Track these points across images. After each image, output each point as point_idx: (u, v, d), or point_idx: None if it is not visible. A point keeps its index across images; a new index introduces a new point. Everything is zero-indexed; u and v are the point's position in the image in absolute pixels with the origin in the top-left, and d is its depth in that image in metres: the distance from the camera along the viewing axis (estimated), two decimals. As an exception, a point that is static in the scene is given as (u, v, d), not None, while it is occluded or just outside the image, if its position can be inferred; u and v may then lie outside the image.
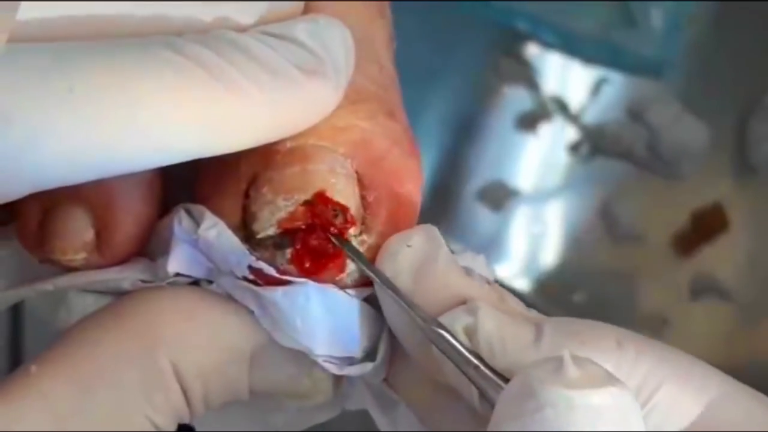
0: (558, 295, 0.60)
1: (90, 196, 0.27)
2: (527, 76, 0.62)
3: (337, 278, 0.26)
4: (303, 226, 0.26)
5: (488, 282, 0.26)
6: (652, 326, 0.59)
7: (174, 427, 0.25)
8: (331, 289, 0.26)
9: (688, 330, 0.59)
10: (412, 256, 0.25)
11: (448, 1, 0.61)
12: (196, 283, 0.28)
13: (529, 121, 0.62)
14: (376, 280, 0.26)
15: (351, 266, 0.26)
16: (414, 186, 0.28)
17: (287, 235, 0.26)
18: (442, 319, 0.24)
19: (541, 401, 0.21)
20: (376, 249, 0.27)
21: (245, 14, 0.25)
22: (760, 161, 0.60)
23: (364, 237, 0.27)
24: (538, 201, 0.62)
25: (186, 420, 0.26)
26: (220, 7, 0.25)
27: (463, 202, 0.61)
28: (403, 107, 0.29)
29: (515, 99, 0.62)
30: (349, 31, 0.27)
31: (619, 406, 0.21)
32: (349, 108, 0.27)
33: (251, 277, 0.26)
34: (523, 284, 0.60)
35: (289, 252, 0.26)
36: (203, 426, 0.28)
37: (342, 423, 0.32)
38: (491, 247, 0.61)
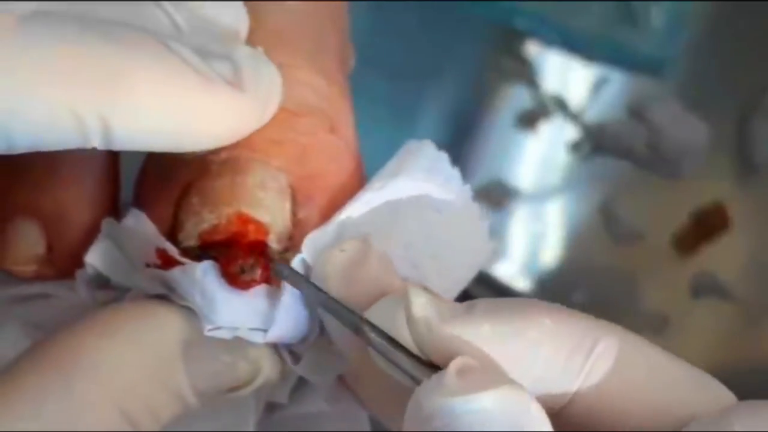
0: (558, 295, 0.60)
1: (43, 209, 0.28)
2: (527, 75, 0.62)
3: None
4: (217, 255, 0.25)
5: (425, 288, 0.25)
6: (652, 325, 0.59)
7: None
8: None
9: (689, 329, 0.59)
10: (344, 259, 0.25)
11: (448, 0, 0.61)
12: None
13: (529, 120, 0.62)
14: (304, 288, 0.25)
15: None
16: None
17: (208, 249, 0.26)
18: (374, 308, 0.24)
19: (427, 413, 0.21)
20: None
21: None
22: (761, 160, 0.59)
23: (290, 255, 0.26)
24: (538, 200, 0.62)
25: None
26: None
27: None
28: (350, 121, 0.29)
29: (515, 98, 0.62)
30: (277, 70, 0.27)
31: (506, 407, 0.21)
32: (288, 121, 0.27)
33: (158, 261, 0.26)
34: (523, 284, 0.60)
35: None
36: None
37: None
38: (491, 246, 0.61)
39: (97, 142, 0.23)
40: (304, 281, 0.25)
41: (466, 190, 0.29)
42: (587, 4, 0.61)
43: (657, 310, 0.59)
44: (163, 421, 0.25)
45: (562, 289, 0.60)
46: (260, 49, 0.27)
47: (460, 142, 0.63)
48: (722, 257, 0.59)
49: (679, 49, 0.61)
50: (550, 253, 0.62)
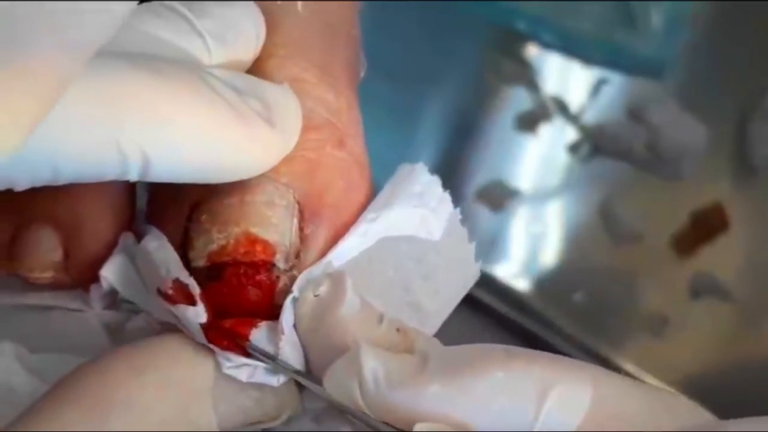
0: (558, 295, 0.60)
1: (61, 217, 0.28)
2: (527, 77, 0.62)
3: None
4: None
5: (398, 329, 0.26)
6: (652, 326, 0.59)
7: None
8: None
9: (688, 330, 0.59)
10: (316, 305, 0.26)
11: (448, 1, 0.62)
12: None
13: (529, 122, 0.62)
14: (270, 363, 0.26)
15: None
16: (356, 220, 0.28)
17: (216, 269, 0.26)
18: (331, 370, 0.25)
19: None
20: None
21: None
22: (760, 161, 0.60)
23: (296, 273, 0.26)
24: (538, 201, 0.62)
25: None
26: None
27: (463, 202, 0.61)
28: (360, 134, 0.29)
29: (515, 99, 0.62)
30: (298, 102, 0.27)
31: None
32: None
33: (171, 292, 0.26)
34: (523, 284, 0.60)
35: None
36: None
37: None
38: (491, 247, 0.62)
39: (134, 176, 0.23)
40: (270, 358, 0.26)
41: (455, 214, 0.29)
42: (587, 6, 0.61)
43: (656, 311, 0.59)
44: None
45: (562, 289, 0.61)
46: (286, 85, 0.27)
47: (461, 143, 0.63)
48: (721, 258, 0.59)
49: (678, 50, 0.61)
50: (550, 254, 0.62)
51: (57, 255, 0.28)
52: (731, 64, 0.61)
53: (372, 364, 0.24)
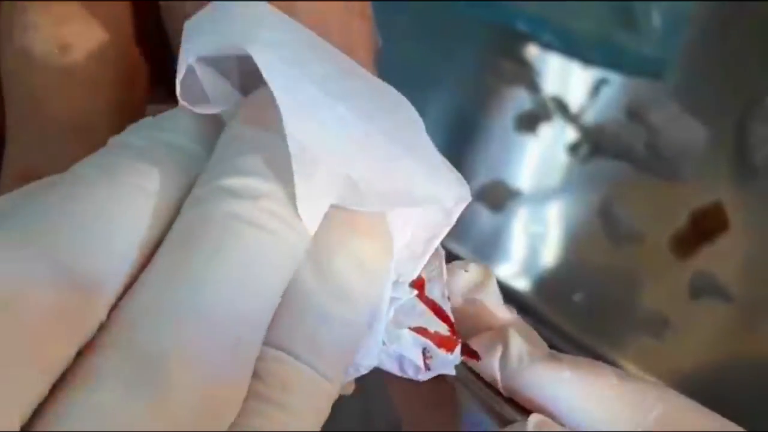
0: (558, 295, 0.60)
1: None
2: (527, 77, 0.62)
3: None
4: None
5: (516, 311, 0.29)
6: (652, 326, 0.59)
7: None
8: None
9: (688, 330, 0.59)
10: (467, 280, 0.28)
11: (448, 1, 0.62)
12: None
13: (528, 122, 0.62)
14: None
15: None
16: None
17: None
18: (474, 341, 0.27)
19: None
20: None
21: None
22: (760, 161, 0.60)
23: None
24: (538, 201, 0.62)
25: None
26: None
27: (463, 203, 0.61)
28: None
29: (515, 99, 0.62)
30: None
31: None
32: None
33: None
34: (523, 284, 0.61)
35: None
36: None
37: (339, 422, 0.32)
38: (491, 247, 0.62)
39: None
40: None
41: None
42: (587, 7, 0.61)
43: (656, 311, 0.59)
44: None
45: (562, 289, 0.61)
46: None
47: (461, 143, 0.63)
48: (721, 258, 0.59)
49: (678, 50, 0.61)
50: (550, 254, 0.62)
51: None
52: (731, 64, 0.61)
53: (519, 342, 0.27)
